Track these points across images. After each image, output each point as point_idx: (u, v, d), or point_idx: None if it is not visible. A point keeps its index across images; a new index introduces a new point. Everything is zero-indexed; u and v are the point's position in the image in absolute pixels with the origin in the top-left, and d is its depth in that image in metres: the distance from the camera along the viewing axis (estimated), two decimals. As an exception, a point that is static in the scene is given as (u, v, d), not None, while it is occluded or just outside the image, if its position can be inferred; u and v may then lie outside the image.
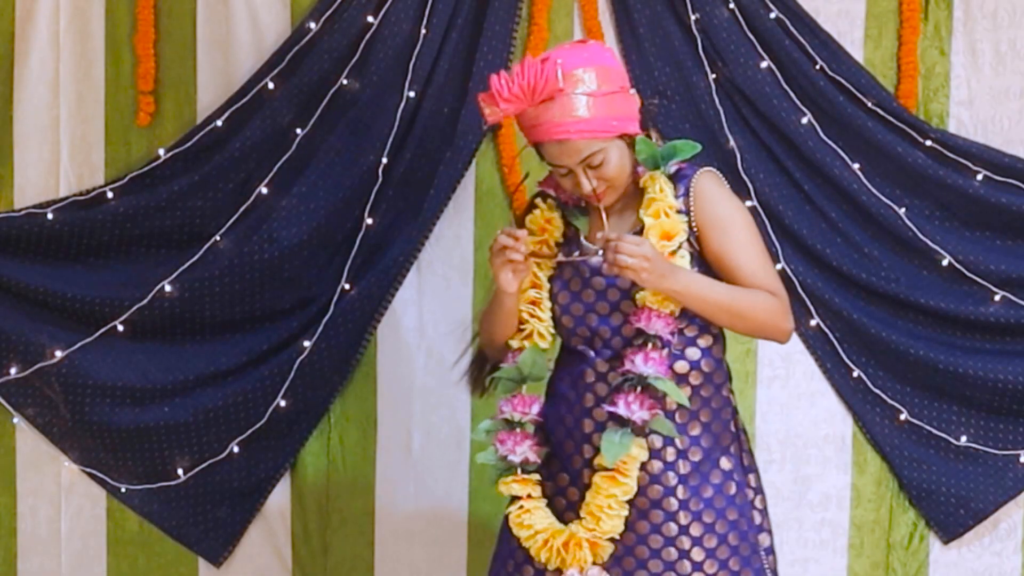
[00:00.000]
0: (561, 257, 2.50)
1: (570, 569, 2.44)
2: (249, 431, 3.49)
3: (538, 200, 2.59)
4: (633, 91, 2.47)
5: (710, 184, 2.48)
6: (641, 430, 2.42)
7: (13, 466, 3.65)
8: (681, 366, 2.47)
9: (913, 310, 3.41)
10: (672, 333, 2.42)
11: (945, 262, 3.37)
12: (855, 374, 3.45)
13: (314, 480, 3.59)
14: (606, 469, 2.43)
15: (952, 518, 3.47)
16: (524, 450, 2.50)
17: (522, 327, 2.54)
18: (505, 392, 2.55)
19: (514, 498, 2.53)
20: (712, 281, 2.43)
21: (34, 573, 3.68)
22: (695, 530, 2.45)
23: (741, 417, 2.61)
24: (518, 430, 2.51)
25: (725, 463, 2.51)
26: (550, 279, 2.54)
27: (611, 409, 2.41)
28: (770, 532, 2.62)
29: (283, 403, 3.47)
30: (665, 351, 2.42)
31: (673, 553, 2.45)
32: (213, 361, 3.50)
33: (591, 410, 2.48)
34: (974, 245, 3.39)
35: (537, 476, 2.53)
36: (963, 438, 3.42)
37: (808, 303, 3.42)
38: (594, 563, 2.46)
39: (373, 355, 3.56)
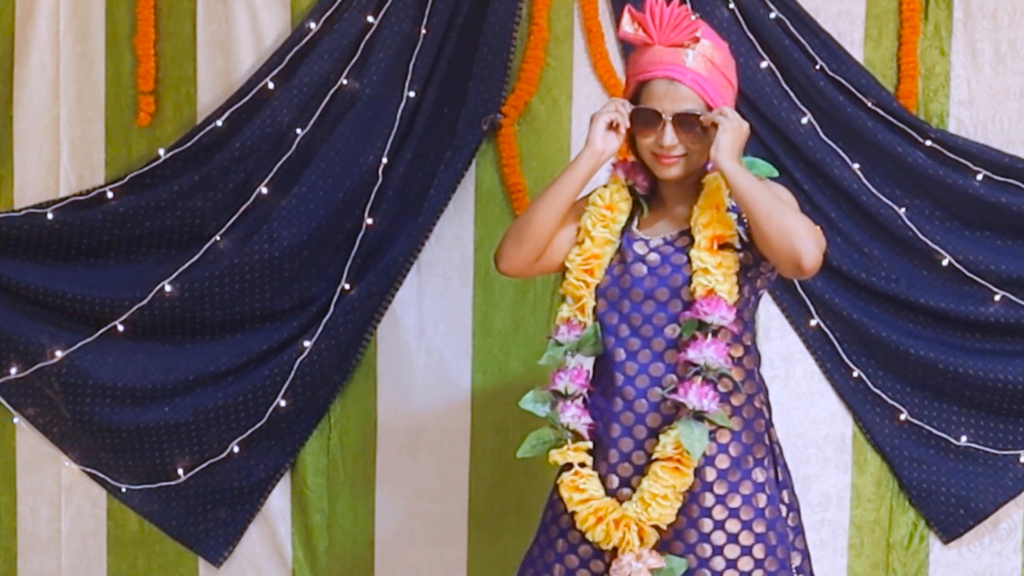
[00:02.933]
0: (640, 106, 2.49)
1: (625, 555, 2.43)
2: (249, 431, 3.49)
3: (616, 172, 2.60)
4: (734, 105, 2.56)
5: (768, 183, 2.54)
6: (702, 420, 2.42)
7: (13, 466, 3.65)
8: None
9: (913, 310, 3.41)
10: (735, 319, 2.43)
11: (945, 262, 3.37)
12: (855, 374, 3.45)
13: (314, 480, 3.59)
14: (667, 459, 2.41)
15: (952, 518, 3.47)
16: (588, 419, 2.50)
17: (578, 294, 2.54)
18: (551, 360, 2.55)
19: (566, 467, 2.50)
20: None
21: (34, 573, 3.68)
22: (717, 539, 2.44)
23: (775, 430, 2.59)
24: (571, 401, 2.51)
25: (758, 475, 2.49)
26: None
27: (680, 399, 2.40)
28: (802, 552, 2.59)
29: (283, 403, 3.47)
30: (726, 339, 2.42)
31: (693, 560, 2.44)
32: (213, 361, 3.50)
33: (632, 403, 2.48)
34: (974, 245, 3.38)
35: (589, 445, 2.51)
36: (963, 438, 3.42)
37: (808, 303, 3.42)
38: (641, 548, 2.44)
39: (373, 355, 3.56)
